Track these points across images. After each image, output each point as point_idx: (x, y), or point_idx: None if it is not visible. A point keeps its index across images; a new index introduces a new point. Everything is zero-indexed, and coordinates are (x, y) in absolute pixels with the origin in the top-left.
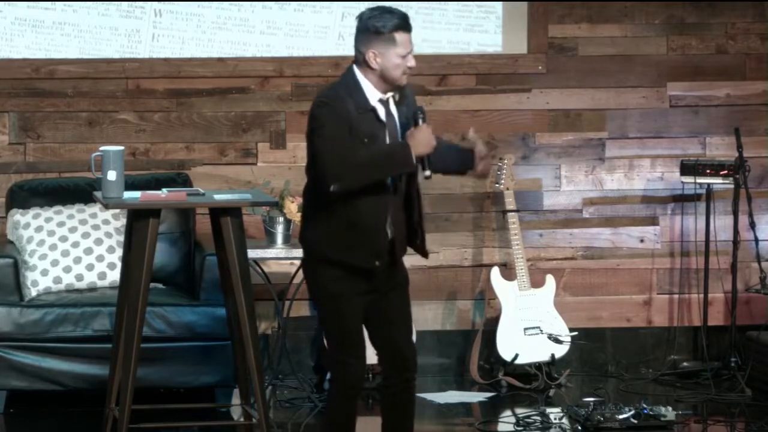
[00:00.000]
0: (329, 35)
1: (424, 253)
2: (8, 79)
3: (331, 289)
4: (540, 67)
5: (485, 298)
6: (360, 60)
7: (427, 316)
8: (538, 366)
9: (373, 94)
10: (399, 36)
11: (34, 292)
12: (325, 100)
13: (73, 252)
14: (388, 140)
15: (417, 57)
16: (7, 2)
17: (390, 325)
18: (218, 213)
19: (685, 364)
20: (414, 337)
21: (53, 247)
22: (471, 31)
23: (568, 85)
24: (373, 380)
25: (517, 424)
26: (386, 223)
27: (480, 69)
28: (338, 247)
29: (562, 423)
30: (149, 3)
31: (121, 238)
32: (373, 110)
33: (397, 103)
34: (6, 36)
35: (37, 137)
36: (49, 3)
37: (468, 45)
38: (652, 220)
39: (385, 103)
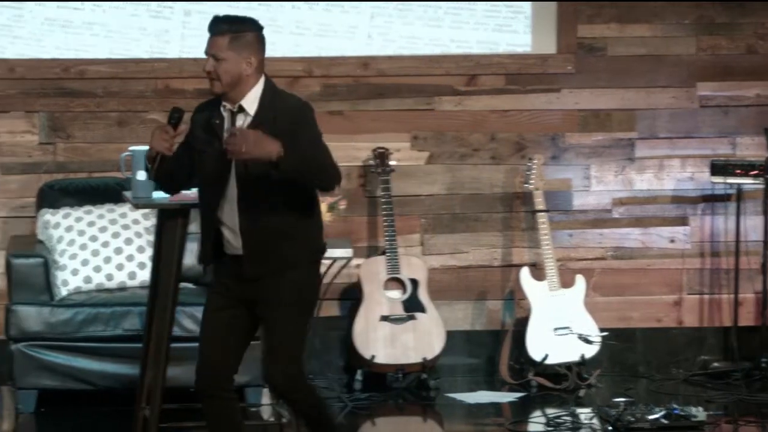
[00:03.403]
0: (358, 35)
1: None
2: (38, 79)
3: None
4: (569, 67)
5: (515, 298)
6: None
7: (456, 316)
8: (568, 366)
9: None
10: None
11: (64, 292)
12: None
13: (103, 251)
14: None
15: (446, 57)
16: (37, 2)
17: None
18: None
19: (715, 364)
20: (442, 341)
21: (83, 247)
22: (500, 31)
23: (598, 85)
24: (403, 380)
25: (547, 424)
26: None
27: (509, 69)
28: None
29: (593, 423)
30: (178, 3)
31: (151, 238)
32: None
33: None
34: (36, 36)
35: (67, 137)
36: (79, 3)
37: (497, 45)
38: (682, 221)
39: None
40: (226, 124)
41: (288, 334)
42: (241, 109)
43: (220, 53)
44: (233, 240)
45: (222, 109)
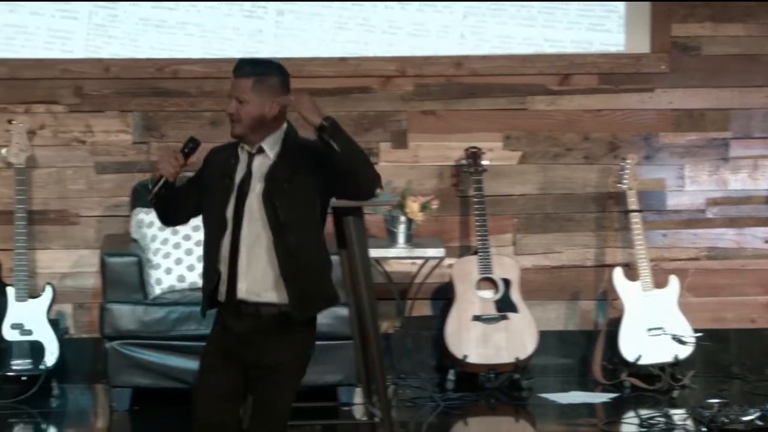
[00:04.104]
0: (451, 34)
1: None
2: (132, 79)
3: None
4: (663, 67)
5: (608, 298)
6: None
7: (549, 316)
8: (662, 367)
9: None
10: None
11: (158, 290)
12: None
13: (197, 250)
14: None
15: (539, 56)
16: (132, 2)
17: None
18: (340, 212)
19: None
20: (535, 341)
21: (177, 246)
22: (593, 31)
23: (692, 85)
24: (496, 380)
25: (640, 425)
26: (216, 265)
27: (602, 68)
28: None
29: (686, 425)
30: (272, 3)
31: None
32: None
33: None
34: (130, 36)
35: (161, 136)
36: (173, 3)
37: (590, 44)
38: None
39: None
40: (241, 165)
41: (283, 403)
42: (261, 150)
43: (243, 95)
44: (227, 284)
45: (239, 150)
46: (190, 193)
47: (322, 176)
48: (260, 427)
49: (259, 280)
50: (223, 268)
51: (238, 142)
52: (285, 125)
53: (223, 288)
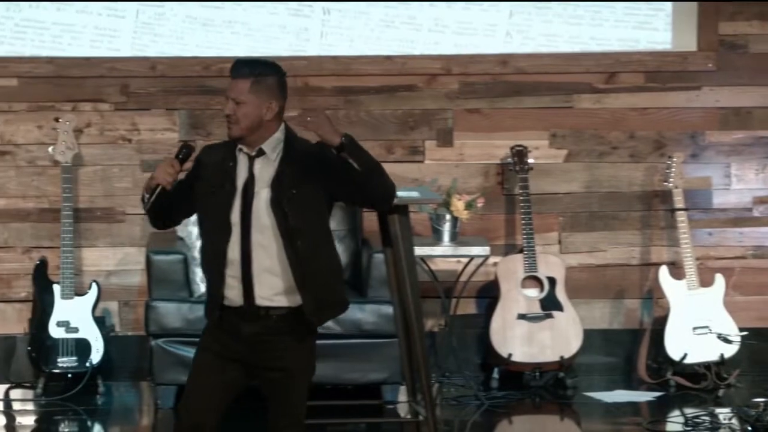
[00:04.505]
0: (497, 33)
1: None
2: (179, 77)
3: None
4: (710, 65)
5: (653, 296)
6: None
7: (594, 314)
8: (707, 366)
9: None
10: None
11: (203, 288)
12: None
13: None
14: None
15: (586, 55)
16: (179, 1)
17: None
18: (385, 210)
19: None
20: (580, 339)
21: None
22: (640, 29)
23: (739, 83)
24: (540, 378)
25: (685, 424)
26: (223, 269)
27: (649, 66)
28: None
29: (732, 423)
30: (318, 1)
31: None
32: None
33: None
34: (177, 34)
35: (207, 134)
36: (220, 2)
37: (637, 42)
38: None
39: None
40: (241, 168)
41: (302, 405)
42: (261, 153)
43: (241, 96)
44: (233, 290)
45: (237, 152)
46: (183, 196)
47: (330, 182)
48: (280, 427)
49: (271, 285)
50: (232, 272)
51: (233, 143)
52: (283, 126)
53: (233, 292)
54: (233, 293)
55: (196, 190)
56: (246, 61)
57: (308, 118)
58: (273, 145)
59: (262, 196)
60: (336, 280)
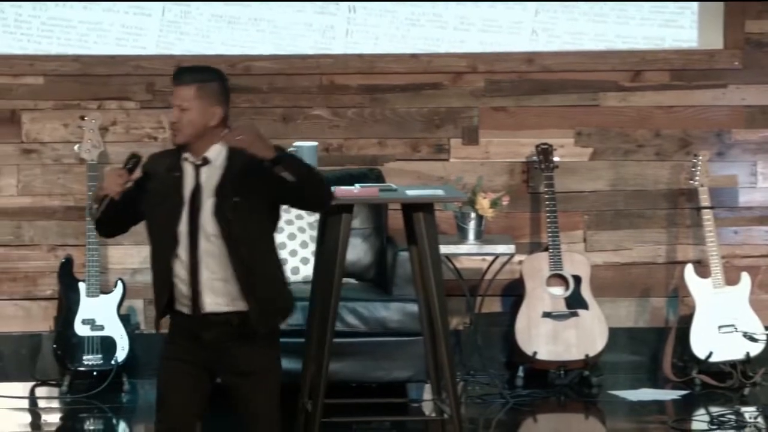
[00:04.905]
0: (523, 31)
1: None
2: None
3: None
4: (736, 63)
5: (679, 295)
6: None
7: (620, 313)
8: (733, 364)
9: None
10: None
11: None
12: None
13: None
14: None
15: (611, 53)
16: (204, 1)
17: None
18: (410, 209)
19: None
20: (605, 338)
21: None
22: (666, 27)
23: (765, 81)
24: (565, 376)
25: (711, 422)
26: (170, 278)
27: (675, 65)
28: None
29: (757, 422)
30: (344, 0)
31: (314, 234)
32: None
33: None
34: (202, 32)
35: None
36: (245, 1)
37: (663, 41)
38: None
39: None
40: (188, 178)
41: (273, 409)
42: (206, 162)
43: (185, 103)
44: (187, 297)
45: (183, 161)
46: (130, 205)
47: (269, 189)
48: None
49: (223, 292)
50: (180, 282)
51: (178, 151)
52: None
53: (184, 301)
54: (184, 301)
55: (144, 199)
56: (188, 68)
57: (237, 137)
58: (217, 152)
59: (207, 206)
60: (281, 286)
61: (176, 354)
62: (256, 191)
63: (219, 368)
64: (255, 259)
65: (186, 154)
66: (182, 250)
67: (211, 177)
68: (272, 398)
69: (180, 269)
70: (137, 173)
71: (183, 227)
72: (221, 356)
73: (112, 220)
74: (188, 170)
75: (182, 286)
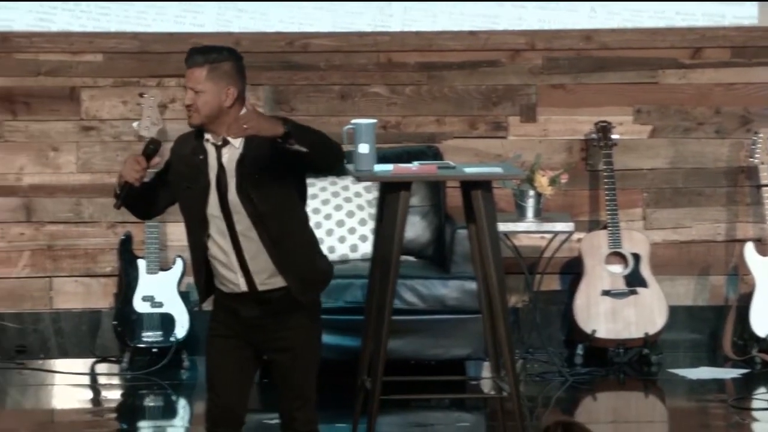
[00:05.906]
0: (581, 8)
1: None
2: (263, 53)
3: None
4: None
5: (739, 273)
6: None
7: (679, 291)
8: None
9: None
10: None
11: None
12: None
13: (326, 224)
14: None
15: (671, 30)
16: None
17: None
18: (469, 186)
19: None
20: (664, 316)
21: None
22: (726, 3)
23: None
24: (625, 355)
25: None
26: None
27: (735, 42)
28: None
29: None
30: None
31: (373, 211)
32: None
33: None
34: (261, 10)
35: (291, 110)
36: None
37: (723, 17)
38: None
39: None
40: (211, 160)
41: (309, 385)
42: (225, 142)
43: (198, 85)
44: (233, 278)
45: (205, 143)
46: (161, 187)
47: (289, 161)
48: (292, 409)
49: (263, 269)
50: (217, 263)
51: (201, 132)
52: (245, 112)
53: (223, 281)
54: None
55: (174, 182)
56: (200, 48)
57: (244, 126)
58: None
59: (232, 185)
60: (314, 255)
61: (220, 331)
62: (276, 163)
63: (259, 344)
64: (285, 233)
65: (207, 135)
66: (215, 232)
67: (232, 157)
68: (309, 374)
69: (215, 250)
70: (157, 159)
71: (213, 209)
72: (261, 332)
73: (142, 205)
74: (211, 151)
75: (219, 267)
